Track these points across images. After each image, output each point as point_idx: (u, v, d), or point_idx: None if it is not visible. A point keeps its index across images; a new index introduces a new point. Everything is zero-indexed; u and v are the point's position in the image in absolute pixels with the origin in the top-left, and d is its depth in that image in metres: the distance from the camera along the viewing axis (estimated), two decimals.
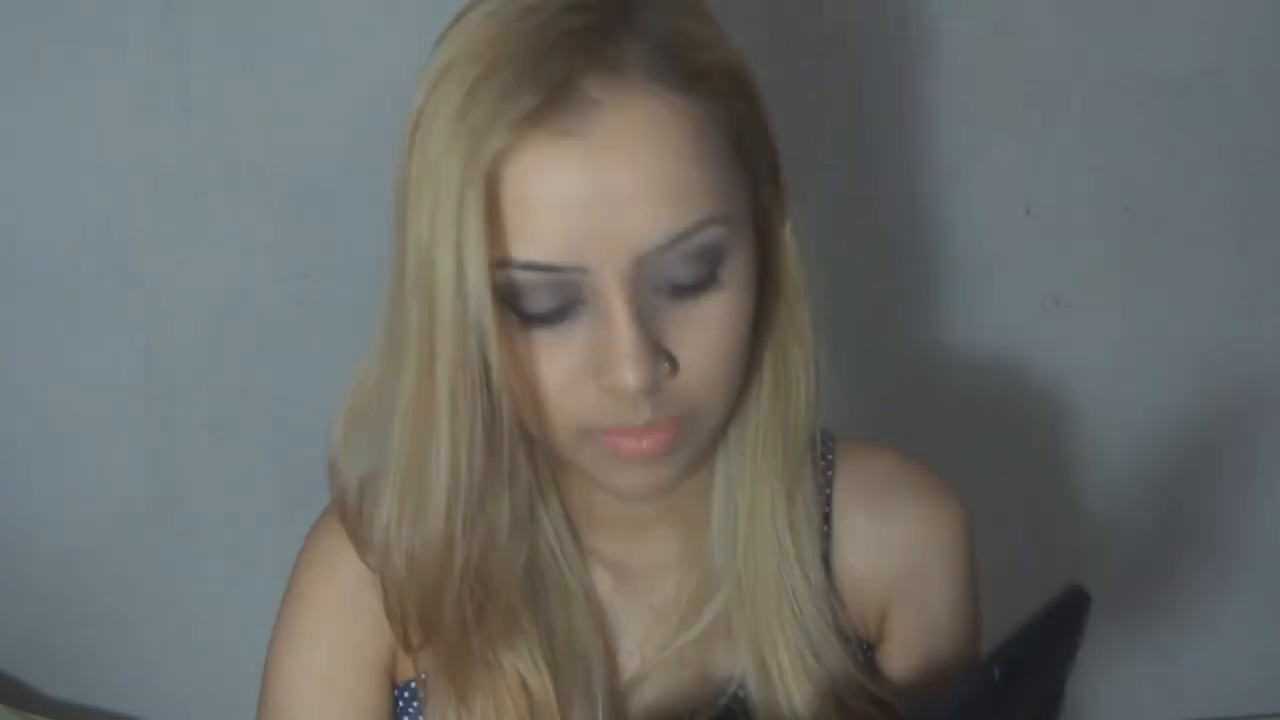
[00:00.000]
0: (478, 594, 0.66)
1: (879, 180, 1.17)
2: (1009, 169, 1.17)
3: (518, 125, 0.57)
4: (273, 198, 1.11)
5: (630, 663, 0.74)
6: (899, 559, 0.75)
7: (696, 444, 0.65)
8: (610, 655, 0.74)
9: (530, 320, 0.61)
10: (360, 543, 0.70)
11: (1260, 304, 1.23)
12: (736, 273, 0.63)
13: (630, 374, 0.58)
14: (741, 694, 0.73)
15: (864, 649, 0.77)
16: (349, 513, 0.71)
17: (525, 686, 0.67)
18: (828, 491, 0.75)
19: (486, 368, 0.60)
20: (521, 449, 0.65)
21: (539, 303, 0.60)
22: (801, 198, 0.68)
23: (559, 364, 0.61)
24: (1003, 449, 1.23)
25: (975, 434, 1.21)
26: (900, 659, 0.76)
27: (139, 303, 1.11)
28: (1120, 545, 1.27)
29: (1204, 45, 1.16)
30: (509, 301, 0.61)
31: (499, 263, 0.59)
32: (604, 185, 0.58)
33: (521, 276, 0.60)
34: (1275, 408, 1.27)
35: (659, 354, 0.60)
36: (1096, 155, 1.18)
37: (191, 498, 1.17)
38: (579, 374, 0.61)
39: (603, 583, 0.75)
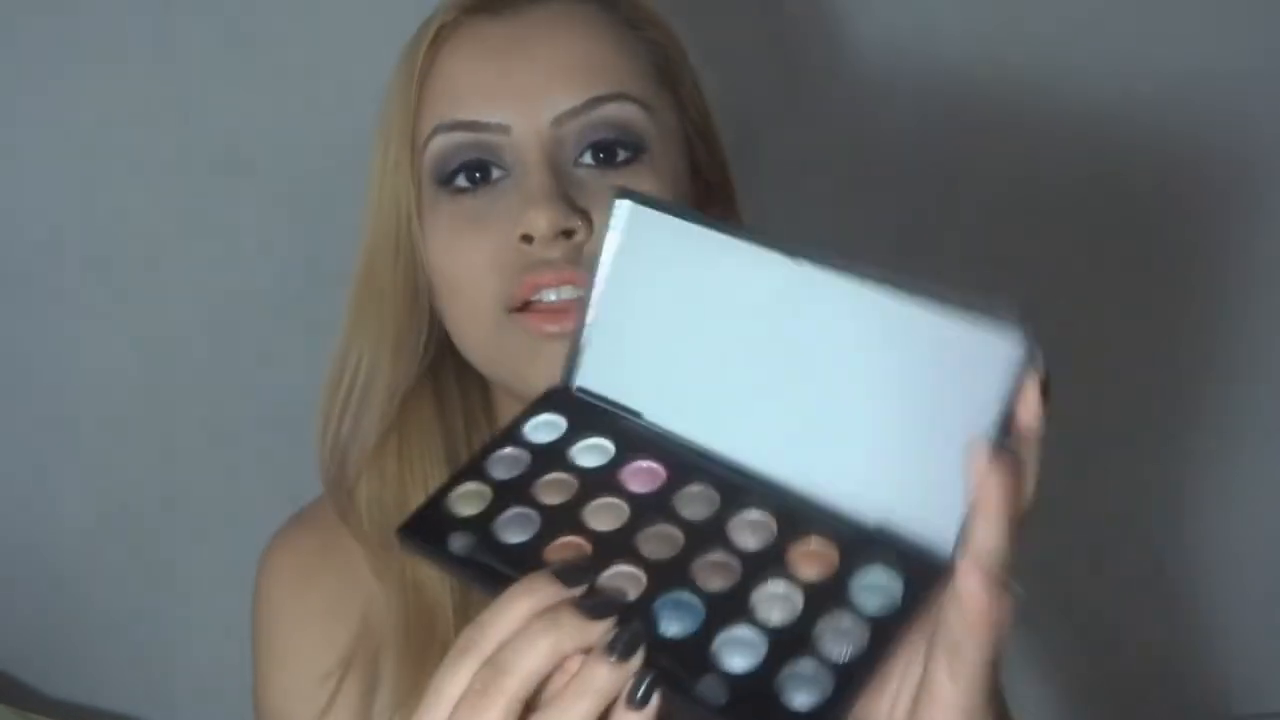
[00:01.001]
0: None
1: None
2: None
3: (461, 8, 0.67)
4: (272, 198, 1.12)
5: None
6: None
7: None
8: None
9: (457, 191, 0.67)
10: (351, 517, 0.73)
11: None
12: (659, 167, 0.68)
13: (541, 216, 0.63)
14: None
15: None
16: (337, 492, 0.74)
17: None
18: None
19: (415, 267, 0.68)
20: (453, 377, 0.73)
21: (464, 168, 0.66)
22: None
23: (483, 236, 0.66)
24: None
25: None
26: None
27: (139, 303, 1.11)
28: (1122, 545, 1.27)
29: None
30: (439, 179, 0.67)
31: (431, 132, 0.67)
32: (527, 55, 0.65)
33: (446, 140, 0.66)
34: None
35: (573, 207, 0.64)
36: None
37: (191, 498, 1.18)
38: (501, 246, 0.65)
39: None
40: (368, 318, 0.71)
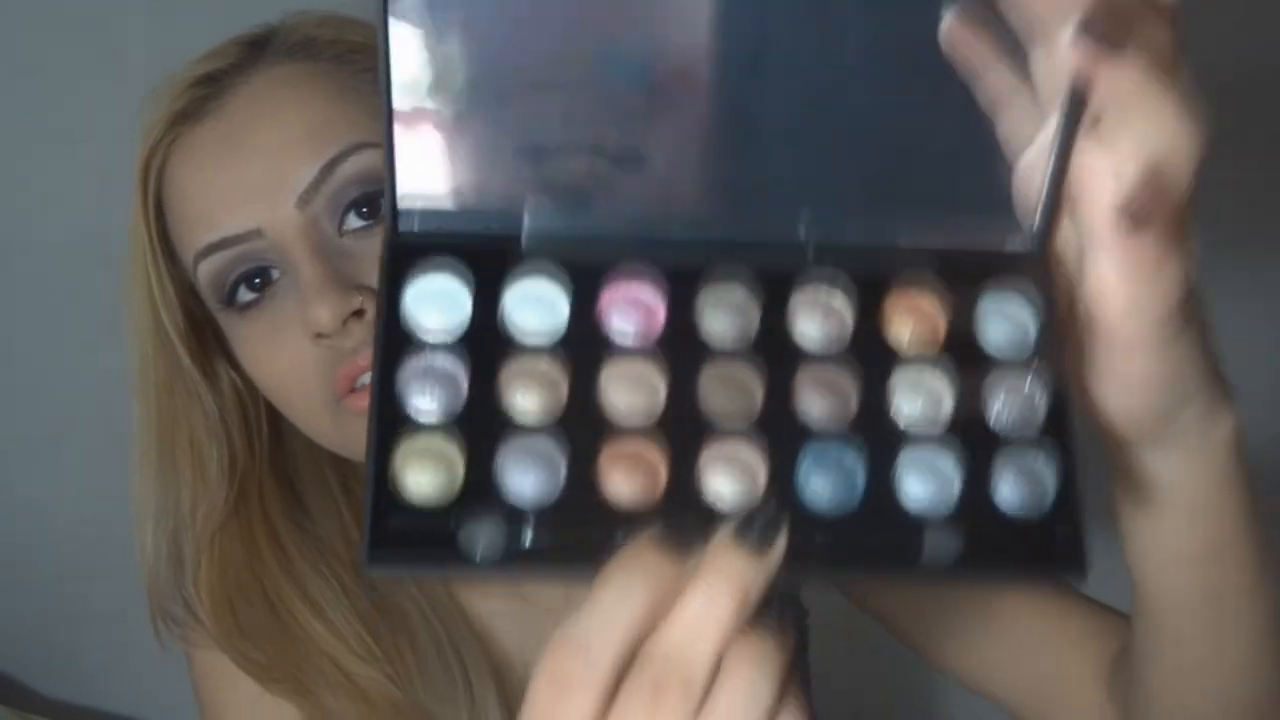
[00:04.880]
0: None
1: None
2: None
3: (166, 124, 0.65)
4: None
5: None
6: None
7: None
8: (505, 670, 0.70)
9: (244, 307, 0.64)
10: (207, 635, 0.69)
11: None
12: None
13: (322, 310, 0.59)
14: None
15: None
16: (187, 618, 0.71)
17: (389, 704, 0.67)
18: None
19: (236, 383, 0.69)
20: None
21: (241, 281, 0.63)
22: None
23: (283, 344, 0.63)
24: None
25: None
26: None
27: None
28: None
29: None
30: (222, 301, 0.64)
31: (194, 263, 0.64)
32: (244, 149, 0.62)
33: (209, 265, 0.63)
34: None
35: (350, 287, 0.60)
36: None
37: None
38: (301, 351, 0.62)
39: (484, 603, 0.72)
40: (163, 480, 0.70)
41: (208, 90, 0.64)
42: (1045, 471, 0.39)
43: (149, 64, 0.88)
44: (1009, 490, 0.39)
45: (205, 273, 0.63)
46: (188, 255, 0.64)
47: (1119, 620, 0.63)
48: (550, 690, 0.36)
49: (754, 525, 0.36)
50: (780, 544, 0.36)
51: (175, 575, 0.69)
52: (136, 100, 0.90)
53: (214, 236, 0.62)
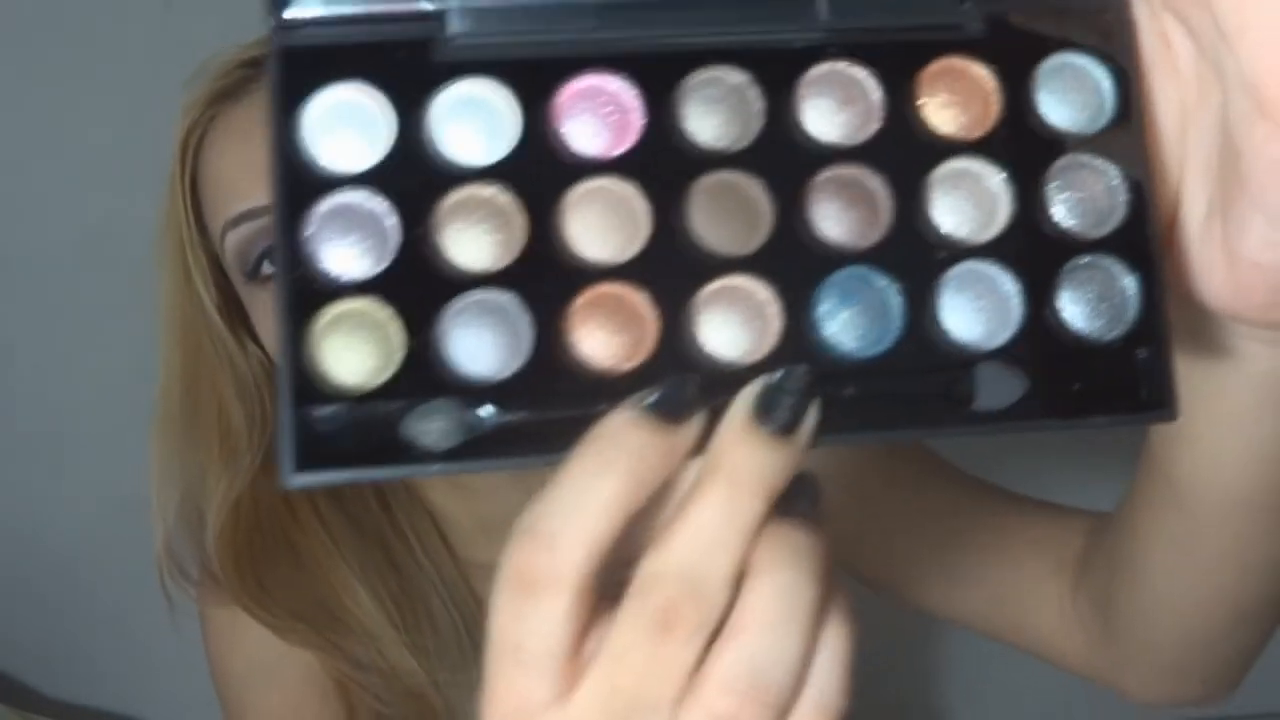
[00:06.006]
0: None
1: None
2: None
3: (205, 103, 0.66)
4: None
5: None
6: None
7: None
8: None
9: (265, 279, 0.63)
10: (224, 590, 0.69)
11: None
12: None
13: None
14: None
15: None
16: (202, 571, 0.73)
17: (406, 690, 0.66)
18: None
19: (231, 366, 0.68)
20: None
21: (265, 255, 0.63)
22: None
23: None
24: None
25: None
26: None
27: (140, 302, 0.98)
28: None
29: None
30: (248, 273, 0.64)
31: (222, 234, 0.64)
32: None
33: (236, 236, 0.63)
34: None
35: None
36: None
37: None
38: None
39: None
40: (187, 443, 0.70)
41: (250, 72, 0.66)
42: (1126, 283, 0.32)
43: (150, 64, 0.91)
44: (1079, 308, 0.31)
45: (232, 244, 0.64)
46: (216, 228, 0.65)
47: (1079, 516, 0.59)
48: (513, 594, 0.29)
49: (777, 403, 0.29)
50: (811, 423, 0.29)
51: (194, 535, 0.71)
52: (138, 100, 0.91)
53: (243, 207, 0.63)
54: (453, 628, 0.68)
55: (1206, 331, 0.37)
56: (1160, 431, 0.44)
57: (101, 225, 1.08)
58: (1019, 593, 0.61)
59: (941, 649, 1.25)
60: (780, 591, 0.28)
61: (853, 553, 0.69)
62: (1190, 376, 0.38)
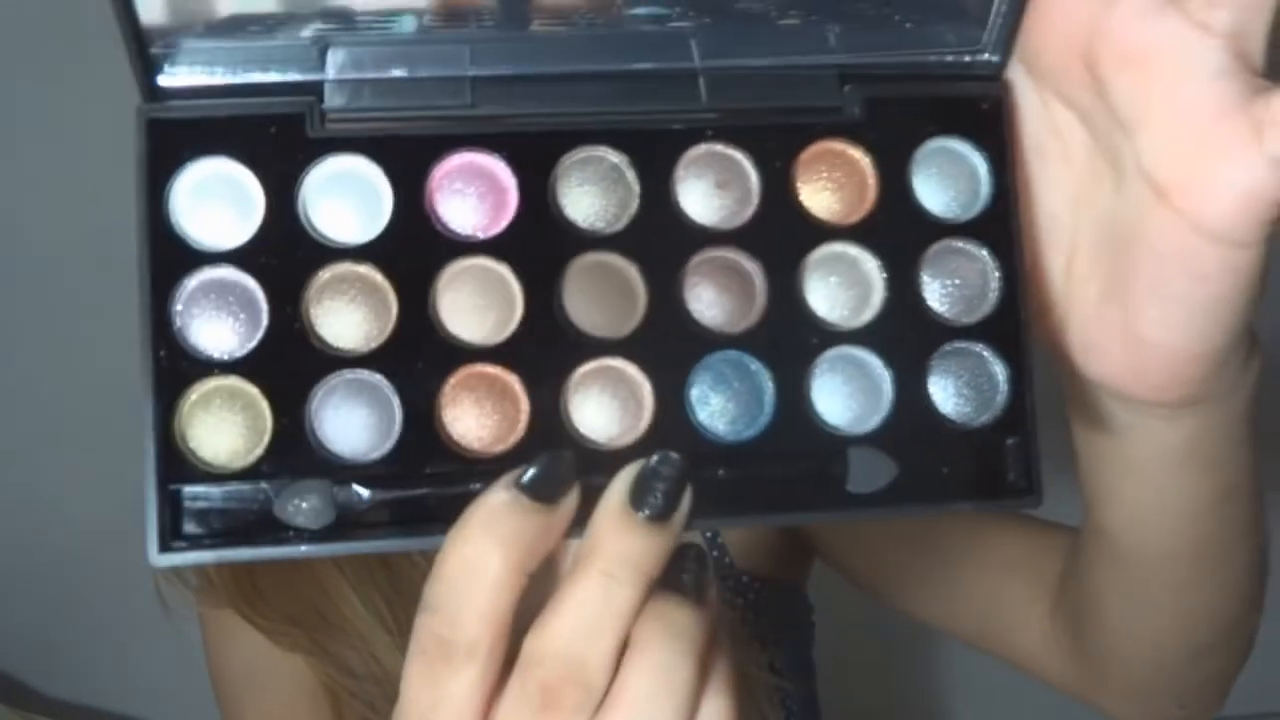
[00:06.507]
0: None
1: None
2: None
3: None
4: None
5: None
6: None
7: None
8: None
9: None
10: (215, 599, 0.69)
11: None
12: None
13: None
14: None
15: None
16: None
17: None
18: None
19: None
20: None
21: None
22: None
23: None
24: None
25: None
26: None
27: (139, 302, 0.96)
28: None
29: None
30: None
31: None
32: None
33: None
34: None
35: None
36: None
37: None
38: None
39: None
40: None
41: None
42: (996, 369, 0.32)
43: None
44: (949, 393, 0.32)
45: None
46: None
47: (1059, 535, 0.58)
48: (424, 666, 0.30)
49: (652, 490, 0.29)
50: (685, 509, 0.29)
51: None
52: (138, 100, 0.93)
53: None
54: None
55: (1104, 405, 0.37)
56: (1088, 489, 0.44)
57: (102, 225, 1.05)
58: (1000, 612, 0.61)
59: (941, 649, 1.26)
60: (656, 669, 0.28)
61: (847, 561, 0.70)
62: (1095, 444, 0.39)
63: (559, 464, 0.29)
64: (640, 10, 0.32)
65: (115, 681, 1.21)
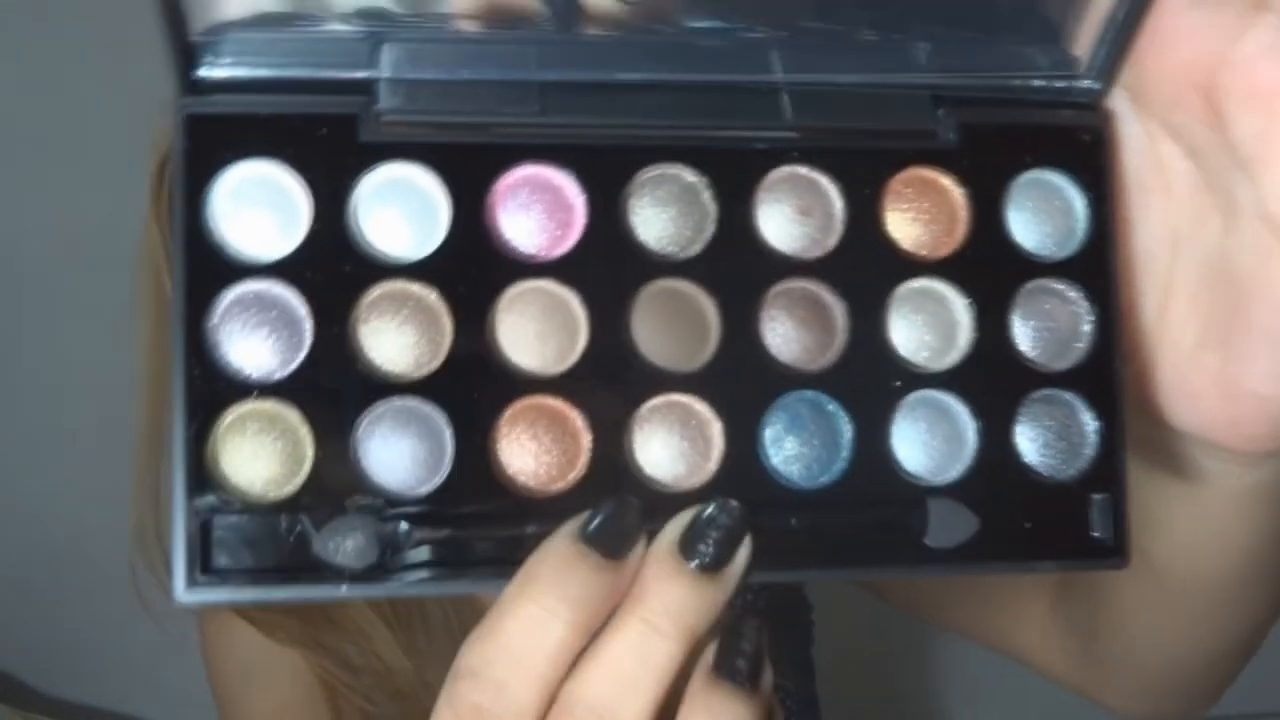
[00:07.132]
0: None
1: None
2: None
3: None
4: None
5: None
6: None
7: None
8: None
9: None
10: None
11: None
12: None
13: None
14: None
15: None
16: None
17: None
18: None
19: None
20: None
21: None
22: None
23: None
24: None
25: None
26: None
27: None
28: None
29: None
30: None
31: None
32: None
33: None
34: None
35: None
36: None
37: None
38: None
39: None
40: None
41: None
42: (1085, 420, 0.30)
43: (151, 65, 0.94)
44: (1035, 444, 0.30)
45: None
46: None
47: None
48: None
49: (705, 538, 0.27)
50: (741, 562, 0.27)
51: None
52: (139, 100, 0.98)
53: None
54: (445, 625, 0.66)
55: (1181, 450, 0.35)
56: (1137, 519, 0.43)
57: (102, 224, 1.04)
58: (998, 607, 0.61)
59: (942, 649, 1.26)
60: None
61: None
62: (1156, 480, 0.37)
63: (626, 513, 0.27)
64: (715, 21, 0.30)
65: (115, 681, 1.21)
